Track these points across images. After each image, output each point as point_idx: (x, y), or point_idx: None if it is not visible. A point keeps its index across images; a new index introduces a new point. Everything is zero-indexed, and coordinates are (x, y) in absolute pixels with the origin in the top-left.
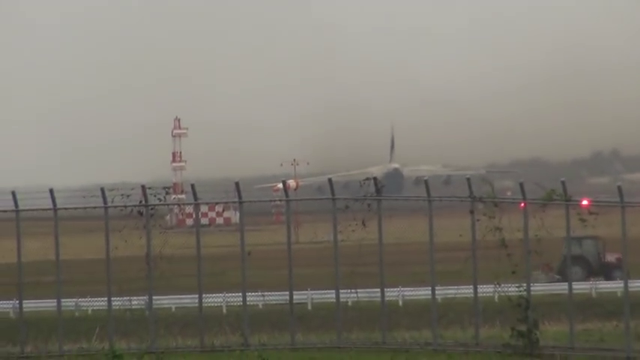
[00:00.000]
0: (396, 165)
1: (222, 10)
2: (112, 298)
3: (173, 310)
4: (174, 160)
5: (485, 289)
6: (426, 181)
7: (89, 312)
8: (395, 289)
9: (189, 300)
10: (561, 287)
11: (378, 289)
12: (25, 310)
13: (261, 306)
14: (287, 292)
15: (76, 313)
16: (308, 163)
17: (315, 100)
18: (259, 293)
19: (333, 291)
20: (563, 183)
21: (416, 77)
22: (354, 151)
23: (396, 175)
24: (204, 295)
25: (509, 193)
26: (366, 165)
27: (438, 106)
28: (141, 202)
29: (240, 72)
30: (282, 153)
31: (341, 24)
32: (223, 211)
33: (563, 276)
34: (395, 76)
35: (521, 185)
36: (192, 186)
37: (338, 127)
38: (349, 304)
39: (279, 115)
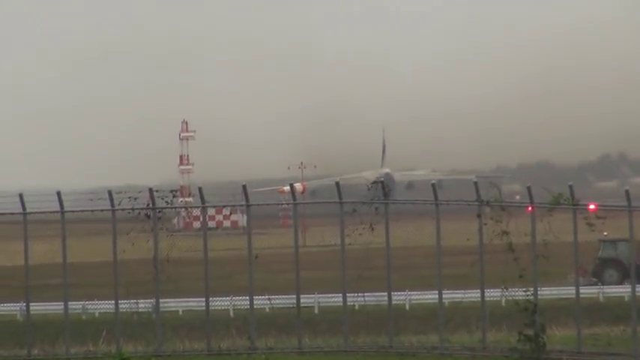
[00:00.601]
0: (387, 170)
1: (218, 11)
2: (119, 301)
3: (180, 313)
4: (181, 163)
5: (493, 293)
6: (433, 185)
7: (96, 315)
8: (402, 293)
9: (196, 303)
10: (569, 292)
11: (385, 293)
12: (32, 312)
13: (268, 309)
14: (294, 296)
15: (83, 316)
16: (315, 167)
17: (310, 106)
18: (266, 297)
19: (340, 294)
20: (570, 187)
21: (415, 80)
22: (346, 157)
23: (387, 180)
24: (211, 299)
25: (517, 197)
26: (358, 170)
27: (435, 111)
28: (148, 205)
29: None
30: (276, 158)
31: (340, 28)
32: (230, 214)
33: (600, 279)
34: (389, 80)
35: (529, 189)
36: (200, 189)
37: (330, 132)
38: (356, 307)
39: (270, 120)
